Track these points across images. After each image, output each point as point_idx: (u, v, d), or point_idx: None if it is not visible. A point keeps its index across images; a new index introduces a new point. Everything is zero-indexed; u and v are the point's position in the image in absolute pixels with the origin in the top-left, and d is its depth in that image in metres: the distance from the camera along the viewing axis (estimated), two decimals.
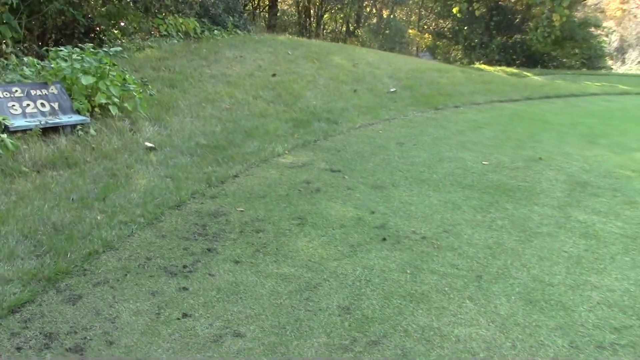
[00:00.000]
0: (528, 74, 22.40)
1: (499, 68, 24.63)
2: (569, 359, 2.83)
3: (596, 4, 36.20)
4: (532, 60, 28.06)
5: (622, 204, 4.93)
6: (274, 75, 8.79)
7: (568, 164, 6.06)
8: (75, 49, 6.68)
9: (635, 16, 52.20)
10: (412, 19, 30.69)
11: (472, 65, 25.12)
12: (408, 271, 3.65)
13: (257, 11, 22.91)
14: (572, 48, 29.05)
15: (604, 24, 48.44)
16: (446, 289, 3.46)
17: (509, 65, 26.44)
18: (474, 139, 7.02)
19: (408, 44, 27.89)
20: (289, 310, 3.17)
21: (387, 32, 25.70)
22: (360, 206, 4.69)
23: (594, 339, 3.00)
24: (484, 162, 5.96)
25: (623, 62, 50.69)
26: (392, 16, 27.21)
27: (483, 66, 25.05)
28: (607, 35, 33.56)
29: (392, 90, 9.31)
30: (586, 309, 3.28)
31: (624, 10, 38.99)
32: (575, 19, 29.08)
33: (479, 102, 9.43)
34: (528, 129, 7.76)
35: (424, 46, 28.77)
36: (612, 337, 3.03)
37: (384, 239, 4.09)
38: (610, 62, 48.88)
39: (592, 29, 30.50)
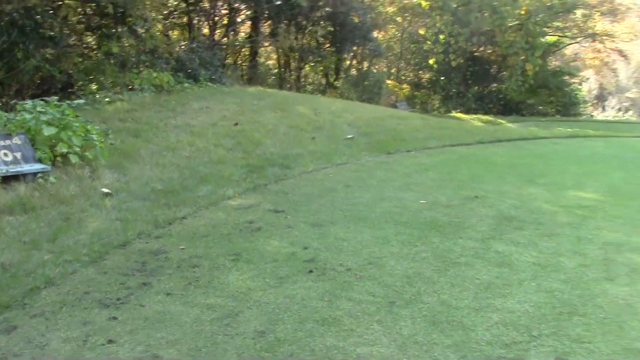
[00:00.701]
0: (502, 122, 23.10)
1: (474, 116, 25.37)
2: None
3: (575, 53, 37.42)
4: (507, 108, 28.93)
5: (541, 236, 5.27)
6: (236, 124, 9.22)
7: (501, 201, 6.44)
8: (39, 101, 7.07)
9: (611, 66, 53.56)
10: (392, 70, 31.57)
11: (449, 114, 25.88)
12: (326, 299, 3.93)
13: (238, 64, 23.59)
14: (547, 96, 29.96)
15: (584, 72, 49.71)
16: (358, 313, 3.74)
17: (485, 113, 27.22)
18: (418, 180, 7.42)
19: (387, 95, 28.63)
20: (207, 336, 3.44)
21: (366, 83, 26.41)
22: (296, 243, 5.00)
23: (484, 353, 3.29)
24: (421, 201, 6.31)
25: (603, 109, 51.82)
26: (371, 68, 28.01)
27: (459, 114, 25.79)
28: (580, 84, 34.55)
29: (349, 137, 9.75)
30: (483, 328, 3.57)
31: (601, 60, 40.07)
32: (549, 68, 30.12)
33: (431, 147, 9.88)
34: (472, 171, 8.18)
35: (403, 96, 29.55)
36: (501, 351, 3.31)
37: (311, 271, 4.38)
38: (590, 109, 50.02)
39: (567, 78, 31.54)
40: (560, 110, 29.56)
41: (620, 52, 30.91)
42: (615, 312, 3.83)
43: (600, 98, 56.77)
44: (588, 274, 4.46)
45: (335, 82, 26.56)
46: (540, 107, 29.68)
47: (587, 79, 42.98)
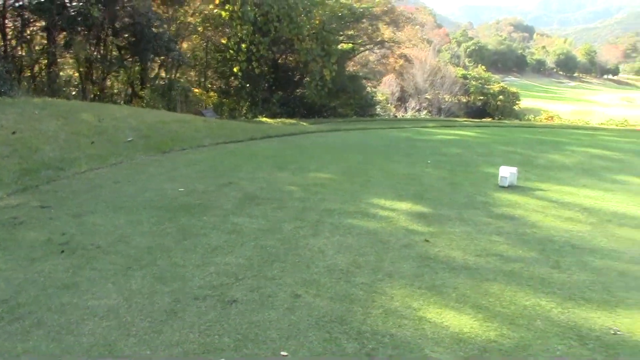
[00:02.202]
0: (304, 124, 24.79)
1: (279, 120, 26.85)
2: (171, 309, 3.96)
3: (379, 59, 40.81)
4: (311, 111, 30.92)
5: (274, 209, 6.37)
6: (14, 132, 9.34)
7: (251, 185, 7.51)
8: None
9: (408, 72, 58.89)
10: (201, 80, 32.16)
11: (255, 119, 27.08)
12: (71, 271, 4.58)
13: (36, 76, 22.79)
14: (347, 99, 32.47)
15: (388, 76, 53.99)
16: (96, 278, 4.44)
17: (289, 117, 28.87)
18: (183, 173, 8.29)
19: (194, 103, 29.17)
20: None
21: (172, 92, 26.75)
22: (55, 231, 5.55)
23: (194, 293, 4.17)
24: (180, 189, 7.16)
25: (405, 109, 56.83)
26: (177, 77, 28.38)
27: (265, 119, 27.10)
28: (375, 87, 37.91)
29: (129, 139, 10.32)
30: (200, 278, 4.46)
31: (401, 65, 44.03)
32: (347, 73, 32.72)
33: (205, 145, 10.86)
34: (234, 162, 9.27)
35: (211, 104, 30.26)
36: (208, 292, 4.22)
37: (63, 252, 4.99)
38: (393, 110, 54.57)
39: (364, 82, 34.49)
40: (358, 112, 32.17)
41: (406, 58, 34.37)
42: (308, 257, 4.94)
43: (402, 100, 62.15)
44: (300, 232, 5.59)
45: (141, 92, 26.59)
46: (341, 110, 32.04)
47: (381, 82, 46.86)
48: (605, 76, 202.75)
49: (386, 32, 32.12)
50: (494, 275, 4.50)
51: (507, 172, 7.46)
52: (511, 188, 7.46)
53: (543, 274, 4.53)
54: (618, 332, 3.61)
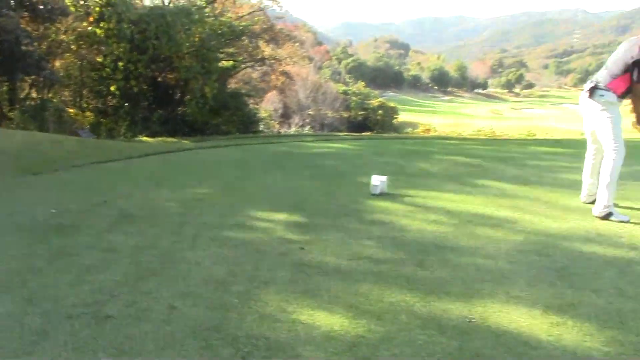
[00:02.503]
0: (186, 142, 24.55)
1: (160, 139, 26.36)
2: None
3: (262, 76, 41.11)
4: (193, 129, 30.63)
5: (150, 225, 6.40)
6: None
7: (127, 203, 7.47)
8: None
9: (291, 89, 59.89)
10: (77, 99, 30.95)
11: (135, 139, 26.42)
12: None
13: None
14: (229, 116, 32.50)
15: (271, 93, 54.44)
16: None
17: (171, 135, 28.43)
18: (56, 194, 8.09)
19: (69, 124, 28.02)
20: None
21: (45, 112, 25.55)
22: None
23: (67, 312, 4.12)
24: (52, 211, 6.99)
25: (289, 125, 57.65)
26: (49, 97, 27.18)
27: (145, 138, 26.51)
28: (258, 104, 38.27)
29: None
30: (74, 296, 4.41)
31: (283, 82, 44.50)
32: (228, 91, 32.79)
33: (80, 165, 10.64)
34: (110, 182, 9.18)
35: (87, 124, 29.20)
36: (82, 309, 4.18)
37: None
38: (277, 126, 55.21)
39: (246, 99, 34.67)
40: (240, 129, 32.29)
41: (287, 75, 35.02)
42: (185, 270, 5.02)
43: (286, 116, 63.03)
44: (177, 247, 5.66)
45: (10, 113, 25.21)
46: (223, 127, 32.02)
47: (263, 99, 47.32)
48: (476, 90, 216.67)
49: (267, 49, 32.60)
50: (364, 277, 4.81)
51: (377, 181, 7.94)
52: (382, 195, 7.94)
53: (408, 273, 4.90)
54: (473, 320, 4.00)
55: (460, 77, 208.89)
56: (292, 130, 51.66)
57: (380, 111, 71.67)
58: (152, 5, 30.96)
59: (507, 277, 4.82)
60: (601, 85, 6.73)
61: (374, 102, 74.67)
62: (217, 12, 31.45)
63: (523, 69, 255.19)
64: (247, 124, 33.11)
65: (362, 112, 70.55)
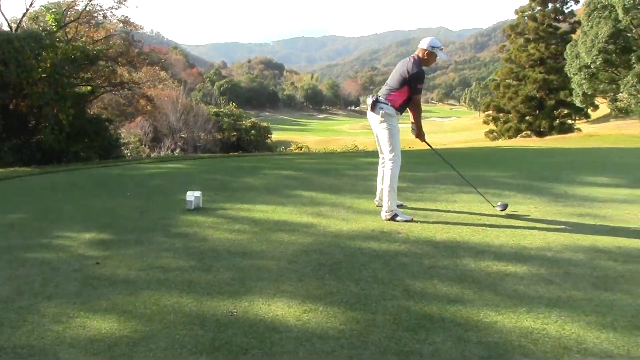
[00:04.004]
0: (46, 170, 23.64)
1: (12, 169, 25.15)
2: None
3: (128, 101, 39.95)
4: (49, 157, 29.41)
5: None
6: None
7: None
8: None
9: (160, 112, 58.94)
10: None
11: None
12: None
13: None
14: (89, 142, 31.52)
15: (140, 117, 53.09)
16: None
17: (25, 164, 27.17)
18: None
19: None
20: None
21: None
22: None
23: None
24: None
25: (160, 149, 56.63)
26: None
27: None
28: (119, 129, 37.40)
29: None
30: None
31: (149, 106, 43.54)
32: (87, 117, 31.80)
33: None
34: None
35: None
36: None
37: None
38: (147, 151, 54.09)
39: (107, 124, 33.76)
40: (102, 155, 31.42)
41: (148, 98, 34.58)
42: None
43: (157, 140, 61.84)
44: None
45: None
46: (83, 153, 31.02)
47: (128, 123, 46.38)
48: (349, 107, 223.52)
49: (125, 73, 32.06)
50: (149, 284, 5.14)
51: (192, 197, 8.31)
52: (197, 210, 8.32)
53: (193, 278, 5.29)
54: (235, 314, 4.46)
55: (333, 95, 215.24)
56: (163, 153, 50.88)
57: (252, 131, 72.42)
58: None
59: (283, 274, 5.37)
60: (381, 98, 7.63)
61: (247, 123, 75.32)
62: (69, 36, 30.58)
63: None
64: (108, 150, 32.28)
65: (235, 133, 70.94)
